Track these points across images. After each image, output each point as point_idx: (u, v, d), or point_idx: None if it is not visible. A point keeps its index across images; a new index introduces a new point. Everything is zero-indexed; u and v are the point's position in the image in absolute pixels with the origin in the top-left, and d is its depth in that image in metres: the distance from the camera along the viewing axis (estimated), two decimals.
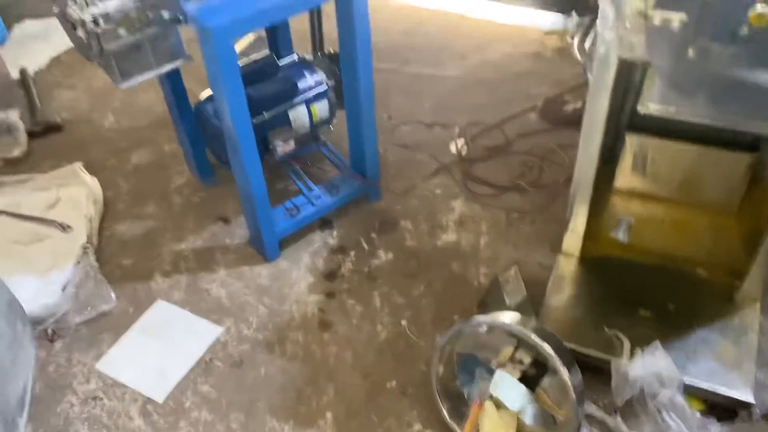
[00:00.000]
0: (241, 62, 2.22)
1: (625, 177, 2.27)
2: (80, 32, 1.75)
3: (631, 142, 2.18)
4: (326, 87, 2.45)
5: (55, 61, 3.46)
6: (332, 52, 2.53)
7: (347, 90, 2.30)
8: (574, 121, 2.74)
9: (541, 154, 2.69)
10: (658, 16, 1.33)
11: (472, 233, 2.43)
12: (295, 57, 2.57)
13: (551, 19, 3.42)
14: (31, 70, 3.35)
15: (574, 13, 3.34)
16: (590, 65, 2.02)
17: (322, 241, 2.45)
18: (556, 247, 2.22)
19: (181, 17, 1.83)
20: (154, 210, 2.62)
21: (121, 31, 1.74)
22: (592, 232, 2.12)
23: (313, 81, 2.44)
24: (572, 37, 3.30)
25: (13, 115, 2.90)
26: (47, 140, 2.96)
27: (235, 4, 1.84)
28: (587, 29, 2.06)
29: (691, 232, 2.17)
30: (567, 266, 2.16)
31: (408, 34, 3.47)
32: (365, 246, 2.42)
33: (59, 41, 3.51)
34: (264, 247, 2.34)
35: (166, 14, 1.79)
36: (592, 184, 1.96)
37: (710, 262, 2.10)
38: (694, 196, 2.18)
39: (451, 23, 3.51)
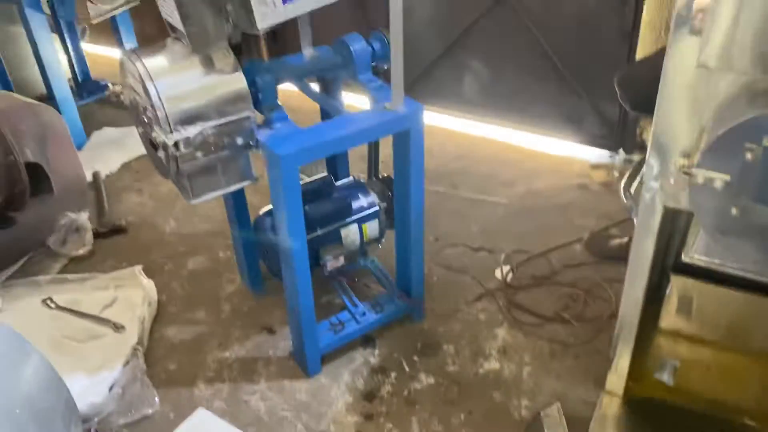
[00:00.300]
0: (301, 181, 2.36)
1: (670, 318, 2.25)
2: (161, 153, 1.91)
3: (677, 284, 2.19)
4: (378, 208, 2.56)
5: (126, 167, 3.71)
6: (385, 175, 2.67)
7: (398, 212, 2.41)
8: (620, 256, 2.79)
9: (586, 287, 2.71)
10: (701, 175, 1.40)
11: (514, 363, 2.42)
12: (351, 179, 2.71)
13: (597, 153, 3.53)
14: (104, 173, 3.60)
15: (621, 151, 3.46)
16: (636, 208, 2.08)
17: (363, 359, 2.47)
18: (599, 383, 2.19)
19: (252, 143, 1.99)
20: (203, 316, 2.70)
21: (198, 154, 1.89)
22: (636, 372, 2.10)
23: (366, 202, 2.55)
24: (619, 173, 3.39)
25: (83, 216, 3.09)
26: (111, 241, 3.13)
27: (302, 134, 2.00)
28: (634, 172, 2.13)
29: (740, 379, 2.12)
30: (610, 406, 2.12)
31: (458, 159, 3.62)
32: (406, 368, 2.43)
33: (132, 148, 3.79)
34: (306, 360, 2.38)
35: (240, 140, 1.95)
36: (637, 324, 1.97)
37: (759, 412, 2.04)
38: (742, 342, 2.15)
39: (500, 151, 3.66)
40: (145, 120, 1.93)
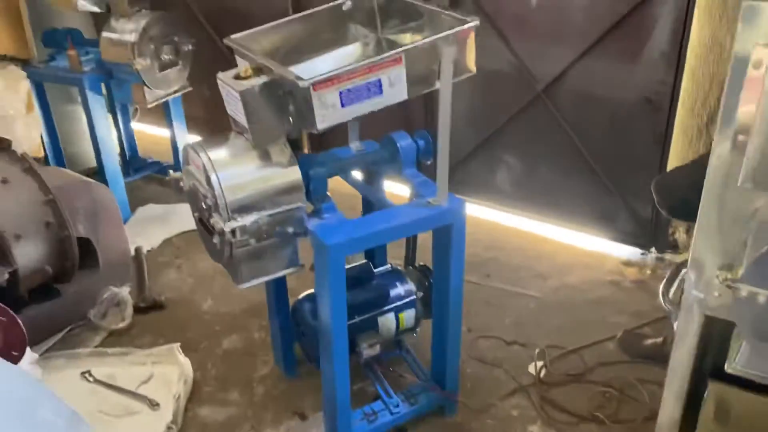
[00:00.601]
0: None
1: (708, 425, 2.23)
2: (216, 239, 2.01)
3: (715, 390, 2.18)
4: (415, 297, 2.61)
5: (168, 242, 3.82)
6: (422, 264, 2.73)
7: (436, 304, 2.45)
8: (654, 356, 2.79)
9: (619, 387, 2.69)
10: (744, 290, 1.43)
11: None
12: (389, 266, 2.77)
13: (629, 250, 3.57)
14: (146, 248, 3.70)
15: (653, 249, 3.50)
16: (675, 312, 2.11)
17: None
18: None
19: (302, 232, 2.07)
20: (236, 397, 2.72)
21: (251, 241, 1.98)
22: None
23: (403, 291, 2.60)
24: (651, 271, 3.42)
25: (125, 291, 3.17)
26: (149, 316, 3.20)
27: (350, 225, 2.09)
28: (672, 275, 2.17)
29: None
30: None
31: (490, 249, 3.67)
32: None
33: (174, 225, 3.92)
34: None
35: (290, 229, 2.04)
36: (677, 430, 1.96)
37: None
38: None
39: (532, 243, 3.71)
40: (204, 206, 2.04)
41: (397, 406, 2.49)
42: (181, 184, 2.17)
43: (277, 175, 2.00)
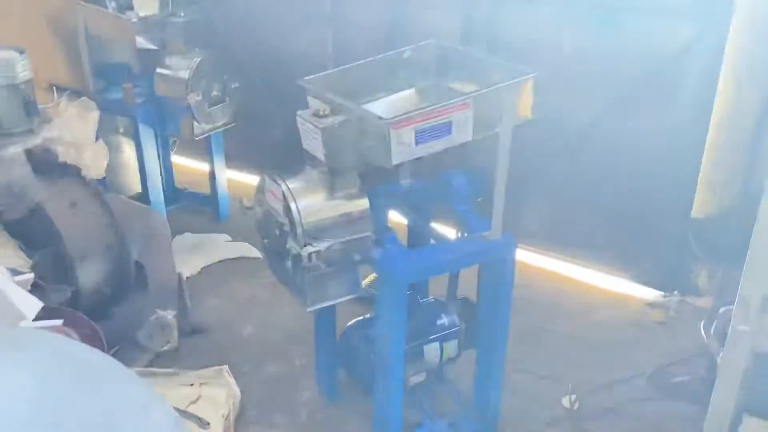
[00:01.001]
0: None
1: None
2: (288, 264, 2.15)
3: (748, 424, 2.30)
4: (458, 328, 2.73)
5: (206, 270, 3.94)
6: (464, 297, 2.86)
7: (483, 337, 2.58)
8: (683, 395, 2.91)
9: (651, 422, 2.80)
10: None
11: None
12: (432, 299, 2.90)
13: (653, 292, 3.72)
14: (185, 276, 3.83)
15: (676, 292, 3.64)
16: (716, 347, 2.25)
17: None
18: None
19: (366, 260, 2.22)
20: (281, 420, 2.82)
21: (322, 266, 2.12)
22: None
23: (447, 321, 2.73)
24: (674, 312, 3.56)
25: (170, 315, 3.29)
26: (192, 340, 3.31)
27: (412, 255, 2.23)
28: (712, 314, 2.32)
29: None
30: None
31: (518, 287, 3.73)
32: None
33: (212, 254, 4.07)
34: None
35: (357, 256, 2.18)
36: None
37: None
38: None
39: (558, 283, 3.85)
40: (278, 233, 2.18)
41: None
42: (253, 212, 2.32)
43: (348, 205, 2.16)
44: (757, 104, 3.16)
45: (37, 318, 1.95)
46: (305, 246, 2.06)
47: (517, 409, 2.89)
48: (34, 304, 1.88)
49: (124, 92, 3.78)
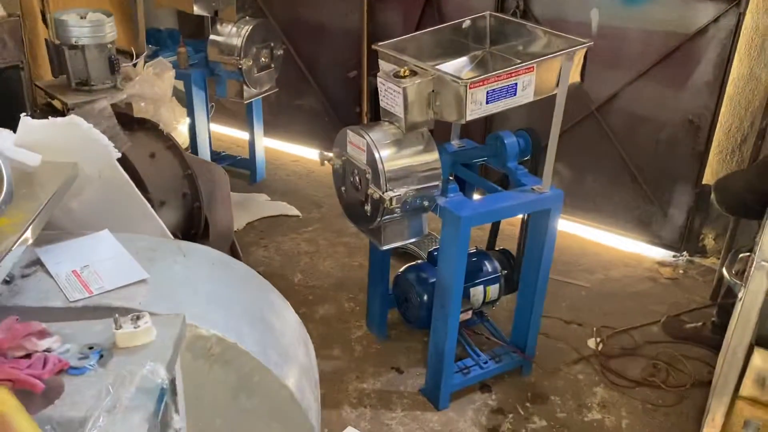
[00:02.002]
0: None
1: (748, 388, 2.70)
2: (367, 207, 2.45)
3: (758, 356, 2.65)
4: (500, 274, 3.06)
5: (250, 226, 4.23)
6: (504, 249, 3.18)
7: (525, 279, 2.90)
8: (694, 339, 3.28)
9: (667, 360, 3.16)
10: None
11: (613, 416, 2.85)
12: (475, 248, 3.22)
13: (663, 252, 4.07)
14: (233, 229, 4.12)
15: (685, 253, 4.00)
16: (739, 285, 2.60)
17: (482, 401, 2.90)
18: None
19: (432, 206, 2.52)
20: (339, 353, 3.14)
21: (397, 210, 2.42)
22: (727, 427, 2.53)
23: (491, 268, 3.05)
24: (683, 271, 3.92)
25: None
26: None
27: (473, 203, 2.55)
28: (734, 257, 2.66)
29: None
30: None
31: None
32: (521, 411, 2.85)
33: (254, 211, 4.35)
34: (439, 395, 2.80)
35: (426, 203, 2.49)
36: (732, 391, 2.42)
37: None
38: None
39: (578, 243, 4.19)
40: (359, 180, 2.48)
41: (486, 363, 2.94)
42: (331, 162, 2.61)
43: (421, 155, 2.45)
44: (766, 81, 3.51)
45: None
46: (387, 191, 2.36)
47: (548, 348, 3.23)
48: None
49: (179, 56, 4.03)
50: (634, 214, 4.11)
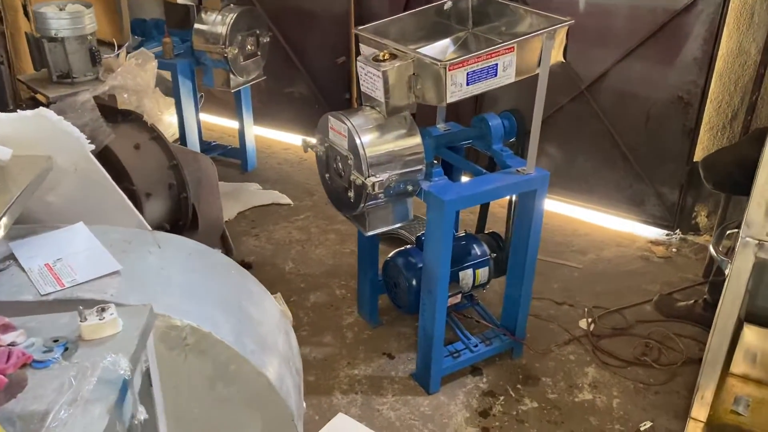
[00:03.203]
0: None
1: (738, 364, 2.70)
2: (350, 193, 2.43)
3: (748, 332, 2.65)
4: (489, 257, 3.05)
5: (241, 215, 4.23)
6: (492, 231, 3.17)
7: (513, 262, 2.89)
8: (686, 316, 3.27)
9: (659, 339, 3.16)
10: None
11: (604, 395, 2.85)
12: (464, 232, 3.21)
13: (656, 231, 4.06)
14: (223, 219, 4.11)
15: (679, 231, 3.98)
16: (725, 262, 2.58)
17: (473, 384, 2.90)
18: (679, 415, 2.63)
19: (416, 190, 2.51)
20: (330, 340, 3.14)
21: (381, 196, 2.41)
22: (716, 403, 2.53)
23: (479, 251, 3.04)
24: (676, 249, 3.91)
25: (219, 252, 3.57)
26: None
27: (457, 186, 2.53)
28: (720, 235, 2.64)
29: None
30: (695, 431, 2.53)
31: None
32: (512, 393, 2.85)
33: (245, 201, 4.34)
34: (429, 380, 2.80)
35: (410, 187, 2.48)
36: (721, 367, 2.41)
37: None
38: None
39: (570, 224, 4.18)
40: (341, 167, 2.47)
41: (476, 346, 2.93)
42: (314, 149, 2.59)
43: (403, 140, 2.43)
44: (755, 56, 3.47)
45: None
46: (369, 177, 2.34)
47: (539, 329, 3.23)
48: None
49: (164, 46, 4.00)
50: (626, 194, 4.09)
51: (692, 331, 3.21)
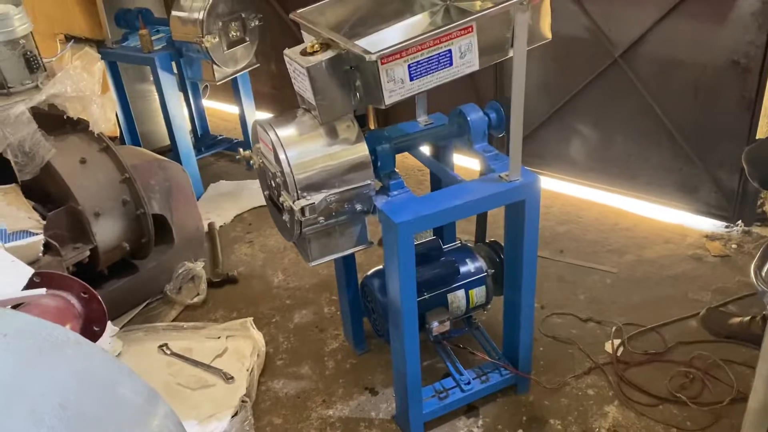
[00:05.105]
0: None
1: None
2: (285, 217, 2.00)
3: None
4: (485, 274, 2.54)
5: (239, 218, 3.88)
6: (493, 241, 2.66)
7: (508, 281, 2.39)
8: (741, 336, 2.65)
9: (703, 367, 2.56)
10: None
11: None
12: (458, 243, 2.71)
13: (712, 223, 3.39)
14: (218, 224, 3.78)
15: (740, 222, 3.30)
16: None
17: (466, 428, 2.44)
18: None
19: (370, 209, 2.05)
20: (308, 371, 2.75)
21: (320, 219, 1.96)
22: None
23: (473, 267, 2.54)
24: (737, 245, 3.24)
25: (199, 266, 3.25)
26: (223, 291, 3.27)
27: (419, 203, 2.04)
28: (765, 252, 2.03)
29: None
30: None
31: (564, 224, 3.55)
32: None
33: (245, 201, 3.99)
34: (409, 426, 2.36)
35: (359, 206, 2.02)
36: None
37: None
38: None
39: (608, 216, 3.57)
40: (273, 184, 2.04)
41: (469, 383, 2.46)
42: (252, 162, 2.17)
43: (344, 152, 1.97)
44: None
45: (30, 286, 1.90)
46: (299, 199, 1.90)
47: (555, 355, 2.71)
48: (25, 272, 1.82)
49: (141, 39, 3.67)
50: (675, 179, 3.43)
51: (747, 356, 2.59)
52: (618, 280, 3.12)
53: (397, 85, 1.81)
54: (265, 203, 3.92)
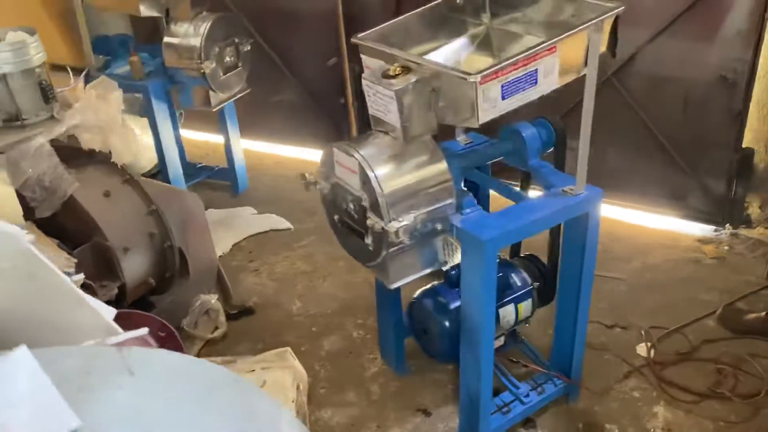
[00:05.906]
0: None
1: None
2: (368, 239, 1.98)
3: None
4: (531, 287, 2.60)
5: (237, 247, 3.77)
6: (529, 254, 2.72)
7: (564, 295, 2.45)
8: (759, 331, 2.83)
9: (733, 363, 2.72)
10: None
11: None
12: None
13: (702, 228, 3.61)
14: (218, 254, 3.65)
15: (728, 225, 3.54)
16: None
17: None
18: None
19: (447, 229, 2.06)
20: (353, 398, 2.70)
21: (405, 240, 1.96)
22: None
23: (519, 281, 2.59)
24: (728, 247, 3.47)
25: (214, 298, 3.12)
26: (240, 323, 3.16)
27: (495, 219, 2.08)
28: None
29: None
30: None
31: None
32: None
33: (240, 229, 3.88)
34: None
35: (439, 226, 2.02)
36: None
37: None
38: None
39: (607, 227, 3.71)
40: (353, 208, 2.01)
41: (527, 395, 2.50)
42: (318, 187, 2.13)
43: (429, 172, 1.98)
44: None
45: None
46: (391, 221, 1.89)
47: (592, 361, 2.78)
48: (110, 313, 1.70)
49: (131, 66, 3.53)
50: (666, 188, 3.64)
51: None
52: (630, 286, 3.26)
53: (490, 105, 1.84)
54: (262, 231, 3.87)
